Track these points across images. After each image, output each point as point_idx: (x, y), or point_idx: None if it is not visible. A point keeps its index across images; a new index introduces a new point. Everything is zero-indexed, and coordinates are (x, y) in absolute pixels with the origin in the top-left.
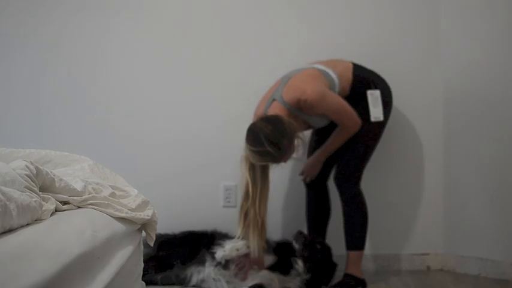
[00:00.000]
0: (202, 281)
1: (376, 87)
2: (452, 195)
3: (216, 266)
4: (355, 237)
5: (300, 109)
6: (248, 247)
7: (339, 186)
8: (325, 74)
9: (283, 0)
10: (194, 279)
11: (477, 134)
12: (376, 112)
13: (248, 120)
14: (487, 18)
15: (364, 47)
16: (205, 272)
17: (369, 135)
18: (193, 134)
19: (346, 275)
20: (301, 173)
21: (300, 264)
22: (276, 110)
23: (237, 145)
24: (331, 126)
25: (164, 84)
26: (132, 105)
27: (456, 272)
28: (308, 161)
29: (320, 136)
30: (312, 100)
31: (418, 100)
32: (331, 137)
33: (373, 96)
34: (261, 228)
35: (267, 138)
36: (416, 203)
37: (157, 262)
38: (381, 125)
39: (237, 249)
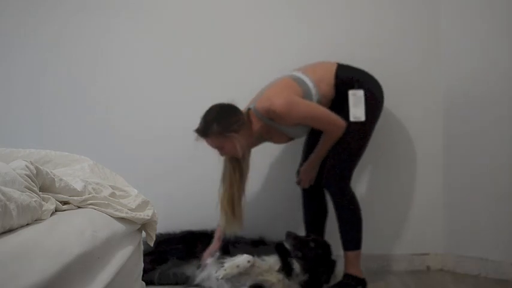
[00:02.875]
0: (204, 279)
1: (360, 87)
2: (452, 195)
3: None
4: (351, 237)
5: (272, 119)
6: (249, 261)
7: (328, 187)
8: (299, 82)
9: (283, 0)
10: (197, 279)
11: (477, 133)
12: (356, 112)
13: None
14: (487, 18)
15: (364, 47)
16: (208, 272)
17: (356, 135)
18: (194, 134)
19: (345, 275)
20: (298, 182)
21: (296, 265)
22: (251, 119)
23: None
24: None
25: (164, 84)
26: (132, 105)
27: (456, 272)
28: (303, 168)
29: (312, 140)
30: (280, 110)
31: (418, 100)
32: (320, 142)
33: (356, 96)
34: (232, 206)
35: (205, 113)
36: (416, 203)
37: (154, 257)
38: (368, 125)
39: (238, 266)
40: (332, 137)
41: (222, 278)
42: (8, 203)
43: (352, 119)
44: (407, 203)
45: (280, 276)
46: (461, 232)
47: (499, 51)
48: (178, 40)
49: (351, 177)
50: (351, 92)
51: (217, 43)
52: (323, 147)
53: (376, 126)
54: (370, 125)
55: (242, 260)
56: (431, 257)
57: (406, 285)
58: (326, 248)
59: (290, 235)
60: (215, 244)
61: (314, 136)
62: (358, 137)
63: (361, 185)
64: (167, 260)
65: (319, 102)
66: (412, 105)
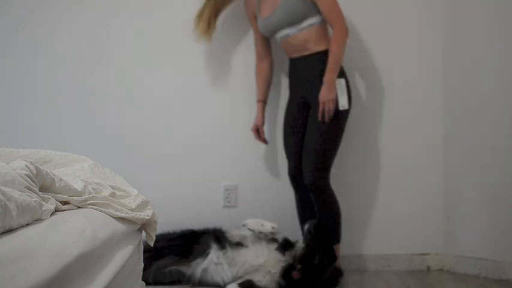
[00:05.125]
0: (204, 271)
1: (341, 75)
2: (452, 195)
3: (220, 250)
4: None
5: None
6: (273, 227)
7: (307, 181)
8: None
9: None
10: (197, 273)
11: (477, 133)
12: (342, 100)
13: (248, 120)
14: (487, 17)
15: (363, 47)
16: (208, 259)
17: (337, 125)
18: (194, 135)
19: None
20: (321, 110)
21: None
22: None
23: (237, 145)
24: (300, 118)
25: (164, 85)
26: (133, 105)
27: (456, 272)
28: (321, 91)
29: (295, 139)
30: None
31: (418, 99)
32: (331, 49)
33: (340, 85)
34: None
35: None
36: (416, 203)
37: (151, 253)
38: (347, 114)
39: (262, 225)
40: (340, 38)
41: (245, 225)
42: (8, 203)
43: (340, 108)
44: (408, 203)
45: (279, 256)
46: (461, 232)
47: (498, 51)
48: (178, 41)
49: (330, 170)
50: (337, 81)
51: (217, 44)
52: (336, 49)
53: (377, 127)
54: (347, 115)
55: (268, 223)
56: (431, 257)
57: (406, 285)
58: (326, 246)
59: (299, 270)
60: (259, 119)
61: (294, 123)
62: (339, 127)
63: (361, 185)
64: (164, 256)
65: None
66: (411, 104)
